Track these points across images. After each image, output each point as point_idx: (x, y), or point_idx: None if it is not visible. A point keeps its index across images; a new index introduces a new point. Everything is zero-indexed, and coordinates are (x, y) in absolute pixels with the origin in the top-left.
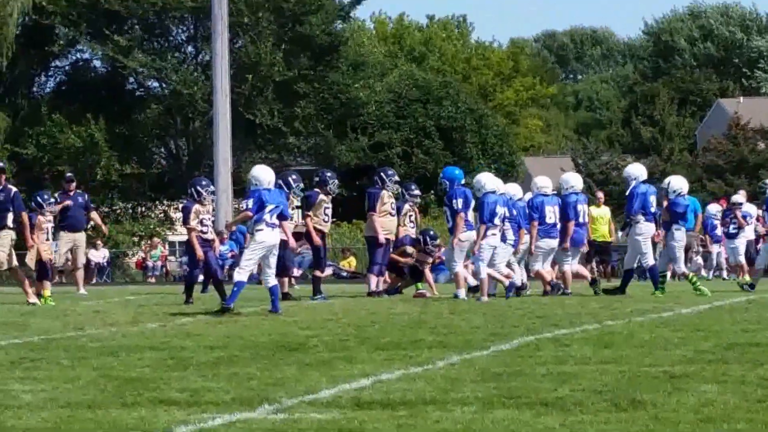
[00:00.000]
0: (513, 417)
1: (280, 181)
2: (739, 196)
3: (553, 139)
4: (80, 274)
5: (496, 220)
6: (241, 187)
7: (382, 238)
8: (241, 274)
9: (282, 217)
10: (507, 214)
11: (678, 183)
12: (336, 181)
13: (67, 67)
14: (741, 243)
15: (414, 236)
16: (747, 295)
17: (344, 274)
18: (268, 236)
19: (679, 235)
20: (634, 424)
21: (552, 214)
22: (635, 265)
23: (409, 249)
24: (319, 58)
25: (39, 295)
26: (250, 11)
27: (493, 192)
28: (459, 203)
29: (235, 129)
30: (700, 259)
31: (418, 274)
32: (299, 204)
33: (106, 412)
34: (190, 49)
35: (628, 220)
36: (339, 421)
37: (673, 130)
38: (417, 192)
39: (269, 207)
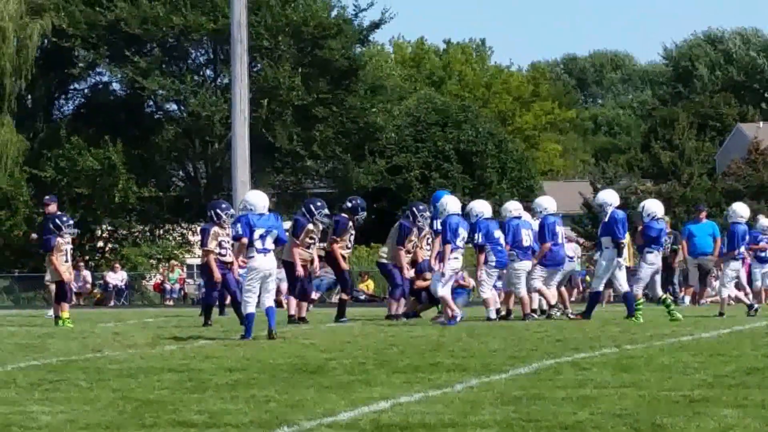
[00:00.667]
0: None
1: (303, 208)
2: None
3: (571, 164)
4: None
5: (459, 242)
6: None
7: (405, 272)
8: (248, 307)
9: (279, 241)
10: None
11: (652, 207)
12: (324, 210)
13: (86, 90)
14: None
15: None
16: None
17: (362, 297)
18: (260, 263)
19: (651, 258)
20: None
21: (527, 237)
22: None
23: (428, 274)
24: (338, 81)
25: (57, 317)
26: (270, 35)
27: (457, 214)
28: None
29: (253, 152)
30: (716, 283)
31: (435, 298)
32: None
33: None
34: (209, 72)
35: (599, 242)
36: None
37: (692, 154)
38: (428, 214)
39: (258, 231)
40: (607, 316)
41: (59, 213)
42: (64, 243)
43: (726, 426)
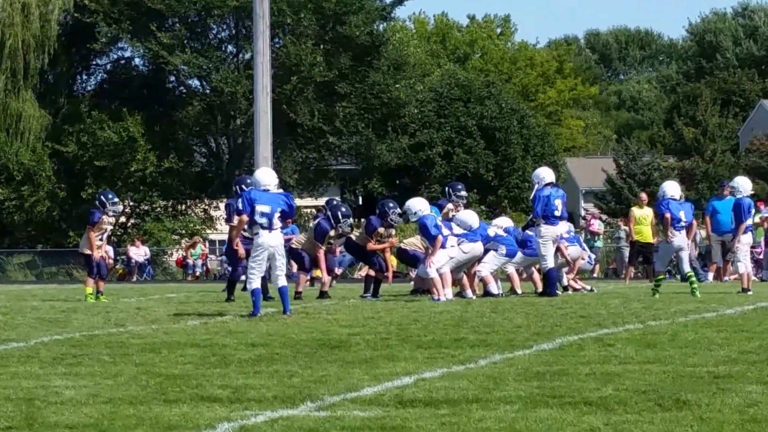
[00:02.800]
0: (556, 416)
1: (329, 213)
2: None
3: (594, 140)
4: None
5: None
6: (282, 186)
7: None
8: (252, 283)
9: (284, 215)
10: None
11: (667, 188)
12: (397, 210)
13: (108, 66)
14: None
15: None
16: None
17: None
18: (265, 239)
19: (670, 238)
20: (679, 425)
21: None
22: (666, 267)
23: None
24: (360, 58)
25: (99, 293)
26: (292, 11)
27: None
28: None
29: (275, 128)
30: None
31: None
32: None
33: (148, 409)
34: (231, 48)
35: (530, 222)
36: (381, 418)
37: (715, 131)
38: (464, 193)
39: (260, 208)
40: (630, 294)
41: (106, 190)
42: (107, 222)
43: (750, 402)
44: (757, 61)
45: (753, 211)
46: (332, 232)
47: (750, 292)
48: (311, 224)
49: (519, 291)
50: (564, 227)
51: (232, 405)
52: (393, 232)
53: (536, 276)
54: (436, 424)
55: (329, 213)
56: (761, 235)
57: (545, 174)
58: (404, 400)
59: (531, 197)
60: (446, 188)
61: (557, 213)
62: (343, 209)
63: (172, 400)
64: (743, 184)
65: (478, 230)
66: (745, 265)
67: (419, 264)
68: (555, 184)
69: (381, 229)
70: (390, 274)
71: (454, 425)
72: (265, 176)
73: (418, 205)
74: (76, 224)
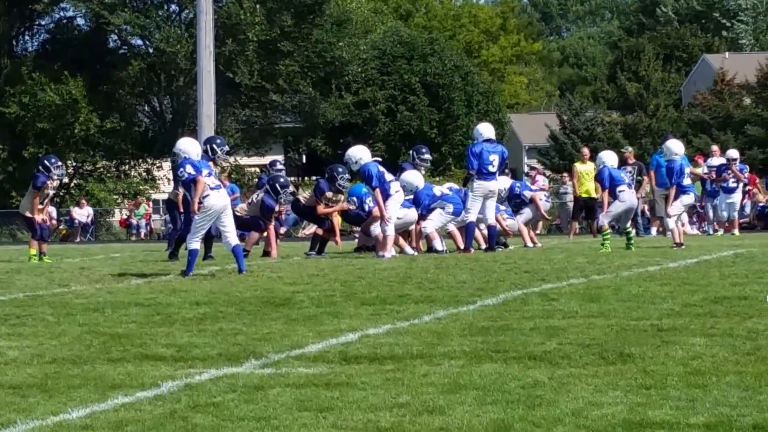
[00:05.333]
0: (500, 371)
1: (268, 186)
2: (735, 151)
3: (537, 96)
4: None
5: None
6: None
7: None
8: (193, 243)
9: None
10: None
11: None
12: (346, 175)
13: (50, 26)
14: (738, 198)
15: None
16: (734, 249)
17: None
18: (214, 200)
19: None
20: (623, 378)
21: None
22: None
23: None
24: (303, 16)
25: (42, 254)
26: None
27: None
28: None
29: (217, 88)
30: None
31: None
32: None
33: (92, 368)
34: (173, 6)
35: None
36: (326, 375)
37: (658, 86)
38: (428, 156)
39: (205, 171)
40: (574, 249)
41: (49, 154)
42: (50, 186)
43: (694, 354)
44: (699, 16)
45: (687, 169)
46: (277, 207)
47: (683, 246)
48: (254, 198)
49: (462, 247)
50: (500, 183)
51: (177, 363)
52: (341, 197)
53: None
54: (380, 380)
55: (268, 186)
56: (699, 190)
57: (483, 130)
58: (349, 356)
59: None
60: (411, 151)
61: (492, 168)
62: (281, 180)
63: (116, 359)
64: (672, 147)
65: (424, 190)
66: (673, 221)
67: (363, 224)
68: (494, 140)
69: (329, 193)
70: (339, 238)
71: (398, 381)
72: (194, 146)
73: (359, 153)
74: (18, 186)
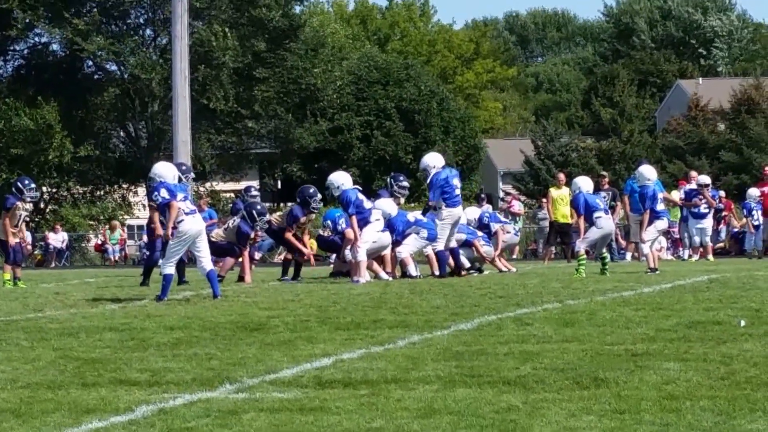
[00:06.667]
0: (475, 395)
1: (245, 212)
2: (707, 177)
3: (512, 121)
4: None
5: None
6: (200, 171)
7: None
8: (167, 268)
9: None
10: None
11: (580, 182)
12: (318, 196)
13: (24, 51)
14: (709, 224)
15: None
16: (709, 275)
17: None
18: (189, 225)
19: (600, 222)
20: (597, 402)
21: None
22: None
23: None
24: (277, 41)
25: (17, 278)
26: None
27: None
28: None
29: (192, 114)
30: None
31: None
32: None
33: (66, 393)
34: (148, 32)
35: (428, 207)
36: (300, 400)
37: (632, 111)
38: (405, 183)
39: (180, 195)
40: (549, 274)
41: (23, 176)
42: (22, 207)
43: (668, 379)
44: (674, 42)
45: (660, 195)
46: (252, 234)
47: (657, 272)
48: (230, 223)
49: (437, 273)
50: (470, 213)
51: (151, 388)
52: (313, 216)
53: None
54: (355, 405)
55: (245, 213)
56: (676, 216)
57: (435, 160)
58: (323, 381)
59: (428, 183)
60: (388, 179)
61: (458, 192)
62: (258, 207)
63: (90, 384)
64: (644, 173)
65: (398, 216)
66: (647, 246)
67: (340, 250)
68: (446, 165)
69: (303, 219)
70: (312, 257)
71: (372, 405)
72: (170, 170)
73: (341, 179)
74: None
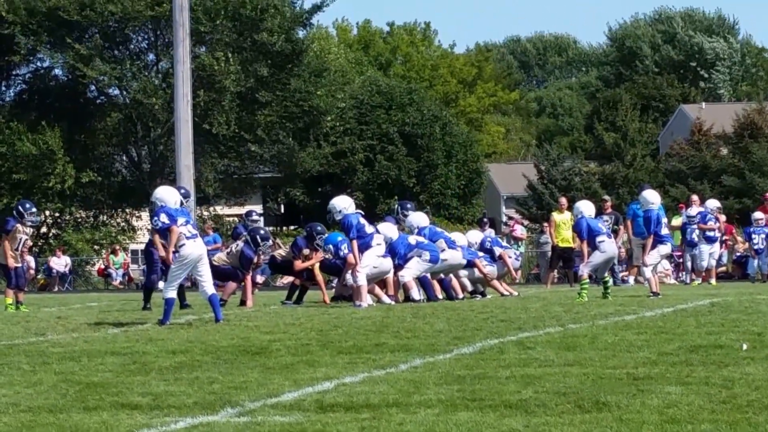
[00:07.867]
0: (476, 419)
1: (248, 237)
2: (716, 201)
3: (515, 146)
4: None
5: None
6: (203, 196)
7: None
8: (169, 292)
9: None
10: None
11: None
12: (325, 235)
13: (27, 76)
14: (717, 248)
15: None
16: (711, 298)
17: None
18: (191, 249)
19: (604, 246)
20: (598, 426)
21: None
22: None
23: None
24: (280, 65)
25: (19, 303)
26: (207, 18)
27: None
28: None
29: (194, 138)
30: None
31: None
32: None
33: (68, 417)
34: (150, 57)
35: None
36: (302, 423)
37: (635, 135)
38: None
39: (181, 220)
40: (551, 298)
41: (24, 200)
42: (22, 231)
43: (670, 403)
44: (677, 66)
45: (664, 220)
46: (256, 259)
47: (660, 295)
48: (233, 248)
49: (440, 297)
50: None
51: (152, 412)
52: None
53: (456, 283)
54: (356, 429)
55: (248, 237)
56: (678, 240)
57: (344, 203)
58: (325, 405)
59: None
60: (396, 206)
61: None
62: (262, 232)
63: (91, 408)
64: (648, 197)
65: (399, 240)
66: (650, 271)
67: (342, 273)
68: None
69: (306, 250)
70: (327, 298)
71: (374, 429)
72: (172, 195)
73: (342, 203)
74: None
